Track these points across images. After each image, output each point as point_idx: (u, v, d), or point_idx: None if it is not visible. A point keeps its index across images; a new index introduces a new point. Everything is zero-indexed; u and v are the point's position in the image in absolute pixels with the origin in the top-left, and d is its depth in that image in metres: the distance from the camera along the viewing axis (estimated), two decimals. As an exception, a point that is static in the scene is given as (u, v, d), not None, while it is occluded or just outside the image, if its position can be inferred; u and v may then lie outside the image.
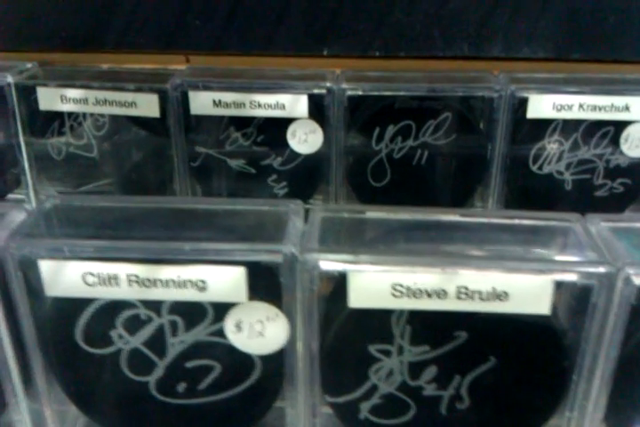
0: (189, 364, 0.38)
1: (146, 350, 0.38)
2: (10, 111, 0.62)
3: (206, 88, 0.61)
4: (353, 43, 0.63)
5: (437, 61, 0.64)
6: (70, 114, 0.63)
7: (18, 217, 0.38)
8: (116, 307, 0.37)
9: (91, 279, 0.35)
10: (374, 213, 0.41)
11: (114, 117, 0.63)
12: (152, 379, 0.39)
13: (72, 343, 0.38)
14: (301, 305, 0.36)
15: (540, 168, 0.61)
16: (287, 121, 0.61)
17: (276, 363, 0.38)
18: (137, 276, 0.35)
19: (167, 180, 0.65)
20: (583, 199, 0.61)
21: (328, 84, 0.60)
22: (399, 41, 0.63)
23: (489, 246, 0.37)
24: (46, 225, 0.39)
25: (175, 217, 0.40)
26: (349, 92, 0.60)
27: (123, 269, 0.35)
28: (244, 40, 0.65)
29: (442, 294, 0.35)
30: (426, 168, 0.62)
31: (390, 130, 0.61)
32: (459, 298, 0.35)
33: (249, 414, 0.40)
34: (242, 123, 0.62)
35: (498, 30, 0.62)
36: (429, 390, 0.38)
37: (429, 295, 0.35)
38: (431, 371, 0.37)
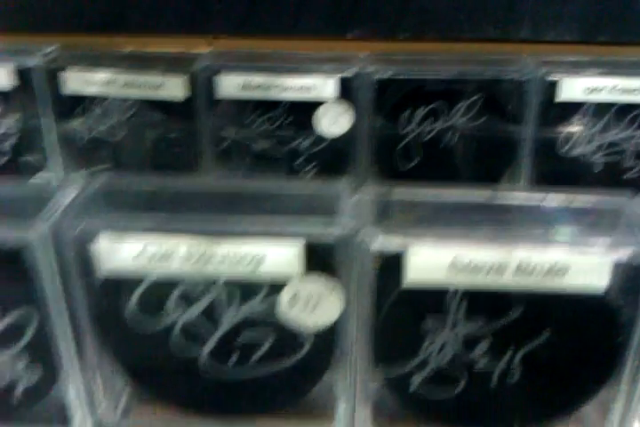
0: (241, 338, 0.39)
1: (199, 324, 0.38)
2: (35, 94, 0.62)
3: (234, 71, 0.60)
4: (377, 26, 0.63)
5: (463, 44, 0.64)
6: (95, 97, 0.63)
7: (66, 196, 0.38)
8: (172, 280, 0.37)
9: (149, 253, 0.35)
10: (422, 193, 0.41)
11: (139, 101, 0.63)
12: (203, 353, 0.39)
13: (127, 317, 0.38)
14: (356, 280, 0.36)
15: (569, 151, 0.61)
16: (315, 104, 0.61)
17: (327, 337, 0.38)
18: (195, 249, 0.35)
19: (193, 163, 0.64)
20: (612, 182, 0.61)
21: (357, 67, 0.60)
22: (425, 24, 0.63)
23: (544, 225, 0.38)
24: (98, 202, 0.38)
25: (224, 199, 0.40)
26: (379, 75, 0.60)
27: (181, 243, 0.35)
28: (269, 23, 0.64)
29: (500, 269, 0.35)
30: (454, 151, 0.62)
31: (420, 112, 0.61)
32: (517, 274, 0.35)
33: (298, 388, 0.40)
34: (269, 106, 0.62)
35: (525, 13, 0.62)
36: (481, 365, 0.38)
37: (487, 271, 0.35)
38: (484, 345, 0.37)
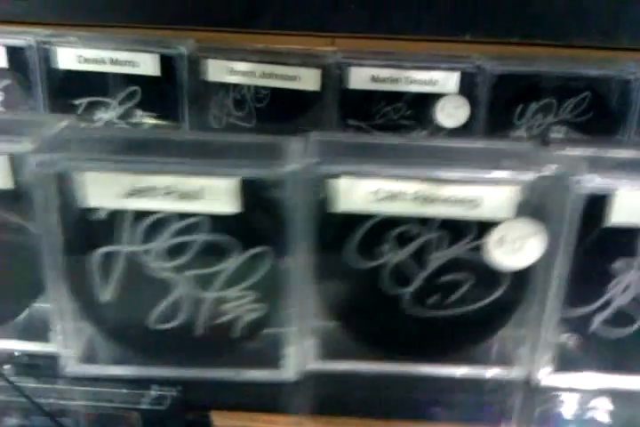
0: (445, 277, 0.43)
1: (408, 264, 0.42)
2: (177, 81, 0.67)
3: (364, 65, 0.66)
4: (494, 29, 0.70)
5: (569, 50, 0.70)
6: (235, 86, 0.68)
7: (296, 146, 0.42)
8: (394, 221, 0.41)
9: (380, 194, 0.40)
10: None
11: (274, 90, 0.68)
12: (408, 292, 0.43)
13: (346, 253, 0.42)
14: (560, 220, 0.41)
15: (669, 144, 0.67)
16: (436, 96, 0.67)
17: (524, 277, 0.42)
18: (420, 192, 0.40)
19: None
20: None
21: (479, 63, 0.66)
22: (537, 29, 0.69)
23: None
24: (334, 151, 0.43)
25: (434, 151, 0.45)
26: (499, 70, 0.66)
27: (408, 187, 0.40)
28: (393, 24, 0.70)
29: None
30: (563, 143, 0.68)
31: (533, 107, 0.67)
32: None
33: (490, 327, 0.44)
34: (393, 97, 0.68)
35: (628, 22, 0.69)
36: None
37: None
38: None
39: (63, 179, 0.39)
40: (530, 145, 0.44)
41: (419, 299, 0.43)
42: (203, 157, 0.39)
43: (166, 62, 0.67)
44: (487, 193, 0.40)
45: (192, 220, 0.40)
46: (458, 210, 0.40)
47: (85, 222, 0.40)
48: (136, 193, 0.39)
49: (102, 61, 0.66)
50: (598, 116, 0.67)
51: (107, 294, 0.42)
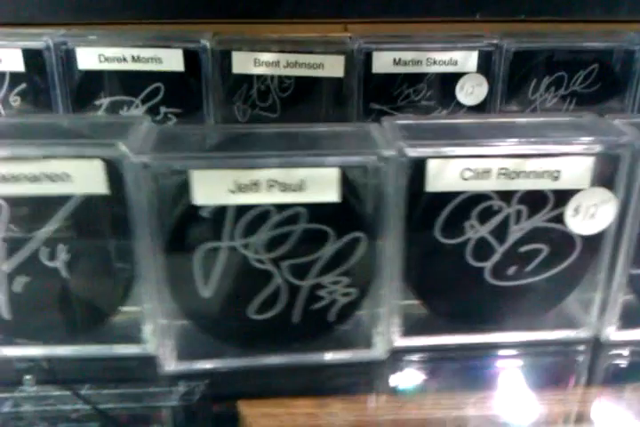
0: (523, 248, 0.45)
1: (490, 238, 0.45)
2: (201, 76, 0.67)
3: (388, 48, 0.68)
4: (502, 7, 0.72)
5: (571, 25, 0.74)
6: (259, 77, 0.68)
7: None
8: (476, 199, 0.43)
9: (467, 173, 0.42)
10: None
11: (298, 79, 0.69)
12: (489, 264, 0.46)
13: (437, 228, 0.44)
14: (629, 189, 0.44)
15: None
16: (455, 76, 0.69)
17: (595, 242, 0.45)
18: (504, 168, 0.42)
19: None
20: None
21: (495, 41, 0.68)
22: (542, 6, 0.72)
23: None
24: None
25: (508, 129, 0.47)
26: (515, 48, 0.68)
27: (494, 163, 0.42)
28: (404, 7, 0.72)
29: None
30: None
31: (545, 81, 0.70)
32: None
33: (565, 290, 0.47)
34: (415, 79, 0.70)
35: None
36: None
37: None
38: None
39: (167, 178, 0.39)
40: (591, 117, 0.47)
41: (499, 270, 0.46)
42: (300, 148, 0.41)
43: (189, 57, 0.67)
44: (567, 165, 0.43)
45: (292, 211, 0.41)
46: (539, 183, 0.43)
47: (190, 220, 0.40)
48: (241, 188, 0.39)
49: (124, 59, 0.65)
50: (605, 87, 0.71)
51: (207, 289, 0.43)
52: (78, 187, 0.40)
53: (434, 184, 0.42)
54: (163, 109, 0.68)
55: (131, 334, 0.46)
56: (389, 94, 0.70)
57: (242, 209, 0.41)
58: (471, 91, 0.70)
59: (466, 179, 0.42)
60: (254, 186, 0.40)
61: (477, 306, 0.47)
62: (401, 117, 0.47)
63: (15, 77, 0.66)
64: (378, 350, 0.47)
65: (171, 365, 0.45)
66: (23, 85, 0.67)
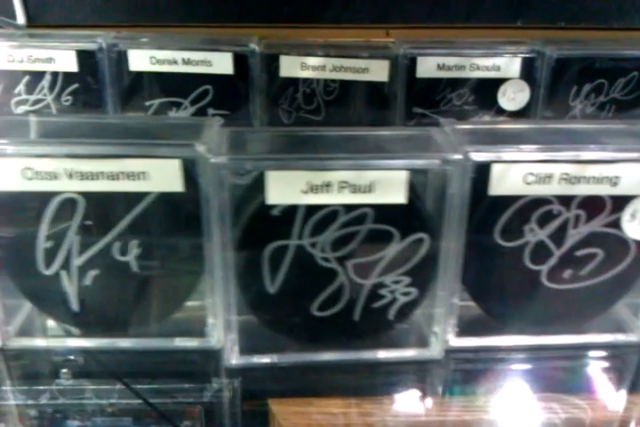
0: (579, 252, 0.47)
1: (548, 242, 0.46)
2: (251, 78, 0.68)
3: (432, 53, 0.69)
4: (543, 15, 0.73)
5: (609, 32, 0.75)
6: (305, 80, 0.70)
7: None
8: (536, 203, 0.44)
9: (530, 178, 0.43)
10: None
11: (343, 83, 0.70)
12: (545, 267, 0.47)
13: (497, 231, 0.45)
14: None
15: None
16: (498, 81, 0.71)
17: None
18: (565, 173, 0.43)
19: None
20: None
21: (538, 48, 0.69)
22: (582, 13, 0.73)
23: None
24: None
25: (562, 134, 0.48)
26: (557, 54, 0.69)
27: (557, 169, 0.43)
28: (447, 14, 0.73)
29: None
30: (613, 121, 0.73)
31: (586, 87, 0.71)
32: None
33: (615, 295, 0.49)
34: (457, 84, 0.71)
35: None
36: None
37: None
38: None
39: (241, 178, 0.41)
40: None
41: (555, 274, 0.47)
42: (369, 151, 0.42)
43: (237, 60, 0.68)
44: (625, 171, 0.44)
45: (359, 211, 0.42)
46: (598, 188, 0.44)
47: (261, 219, 0.42)
48: (313, 189, 0.41)
49: (174, 62, 0.67)
50: (645, 94, 0.72)
51: (274, 285, 0.44)
52: (155, 185, 0.41)
53: (497, 188, 0.43)
54: (210, 111, 0.70)
55: (192, 328, 0.48)
56: (432, 98, 0.71)
57: (311, 209, 0.42)
58: (513, 96, 0.71)
59: (528, 183, 0.43)
60: (326, 187, 0.41)
61: (532, 308, 0.48)
62: (461, 122, 0.48)
63: (68, 77, 0.68)
64: (434, 350, 0.48)
65: (236, 359, 0.47)
66: (75, 85, 0.68)
